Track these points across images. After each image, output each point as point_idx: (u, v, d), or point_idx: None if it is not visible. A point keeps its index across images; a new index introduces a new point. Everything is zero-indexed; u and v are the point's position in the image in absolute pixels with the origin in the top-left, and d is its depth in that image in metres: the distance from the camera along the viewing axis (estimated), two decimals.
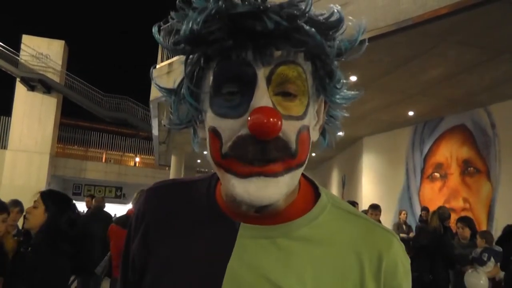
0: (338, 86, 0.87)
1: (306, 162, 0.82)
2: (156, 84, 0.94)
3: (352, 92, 0.91)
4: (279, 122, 0.72)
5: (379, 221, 7.18)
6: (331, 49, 0.79)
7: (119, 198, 33.72)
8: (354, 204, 7.25)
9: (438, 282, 6.44)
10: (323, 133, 0.93)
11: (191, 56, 0.84)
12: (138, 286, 0.92)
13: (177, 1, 0.80)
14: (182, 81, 0.88)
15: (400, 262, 0.85)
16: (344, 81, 0.89)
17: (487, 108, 11.12)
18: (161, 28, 0.88)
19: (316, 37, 0.75)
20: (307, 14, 0.75)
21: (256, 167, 0.75)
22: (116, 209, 25.13)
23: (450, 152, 12.37)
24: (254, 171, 0.75)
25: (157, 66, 13.39)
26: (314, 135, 0.88)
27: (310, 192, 0.92)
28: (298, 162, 0.79)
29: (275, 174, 0.75)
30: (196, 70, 0.83)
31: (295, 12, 0.74)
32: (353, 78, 9.13)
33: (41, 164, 27.66)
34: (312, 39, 0.75)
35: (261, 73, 0.75)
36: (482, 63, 8.53)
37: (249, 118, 0.72)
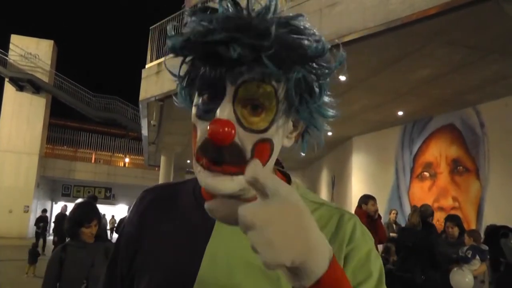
0: (314, 106, 0.93)
1: (267, 164, 0.91)
2: (169, 70, 1.02)
3: (331, 113, 0.97)
4: (233, 132, 0.82)
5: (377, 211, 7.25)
6: (291, 82, 0.87)
7: (109, 199, 33.65)
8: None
9: (430, 282, 6.44)
10: (303, 139, 1.02)
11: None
12: (127, 271, 1.05)
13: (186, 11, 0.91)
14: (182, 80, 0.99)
15: (358, 228, 0.97)
16: (330, 99, 0.97)
17: (476, 108, 11.18)
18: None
19: (272, 70, 0.83)
20: (272, 46, 0.82)
21: (215, 166, 0.86)
22: (105, 210, 25.10)
23: (439, 152, 12.43)
24: (213, 169, 0.86)
25: (146, 66, 13.37)
26: (287, 142, 0.98)
27: None
28: None
29: (230, 173, 0.86)
30: (190, 72, 0.94)
31: (261, 42, 0.82)
32: (342, 79, 9.15)
33: (30, 165, 27.55)
34: (270, 71, 0.83)
35: (229, 87, 0.85)
36: (471, 63, 8.57)
37: (208, 127, 0.83)
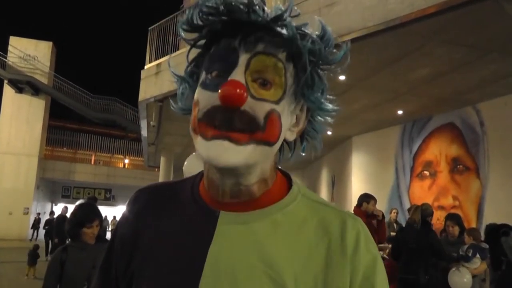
0: (317, 95, 0.96)
1: (276, 144, 0.90)
2: (172, 71, 1.05)
3: (331, 107, 0.99)
4: (245, 94, 0.82)
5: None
6: (305, 48, 0.88)
7: (109, 200, 33.67)
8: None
9: (432, 281, 6.42)
10: (302, 140, 1.03)
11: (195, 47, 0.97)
12: (122, 272, 1.01)
13: None
14: (187, 68, 1.01)
15: (362, 237, 0.93)
16: (329, 97, 0.99)
17: (475, 106, 11.19)
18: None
19: (292, 30, 0.86)
20: (289, 19, 0.87)
21: (222, 130, 0.84)
22: (105, 211, 25.09)
23: (439, 150, 12.43)
24: (218, 134, 0.84)
25: (145, 67, 13.35)
26: (290, 135, 0.98)
27: (285, 184, 1.01)
28: (266, 138, 0.87)
29: (237, 142, 0.84)
30: (198, 56, 0.97)
31: (280, 8, 0.86)
32: (342, 78, 9.14)
33: (30, 167, 27.54)
34: (289, 33, 0.86)
35: (243, 58, 0.86)
36: (471, 62, 8.57)
37: (218, 92, 0.82)
